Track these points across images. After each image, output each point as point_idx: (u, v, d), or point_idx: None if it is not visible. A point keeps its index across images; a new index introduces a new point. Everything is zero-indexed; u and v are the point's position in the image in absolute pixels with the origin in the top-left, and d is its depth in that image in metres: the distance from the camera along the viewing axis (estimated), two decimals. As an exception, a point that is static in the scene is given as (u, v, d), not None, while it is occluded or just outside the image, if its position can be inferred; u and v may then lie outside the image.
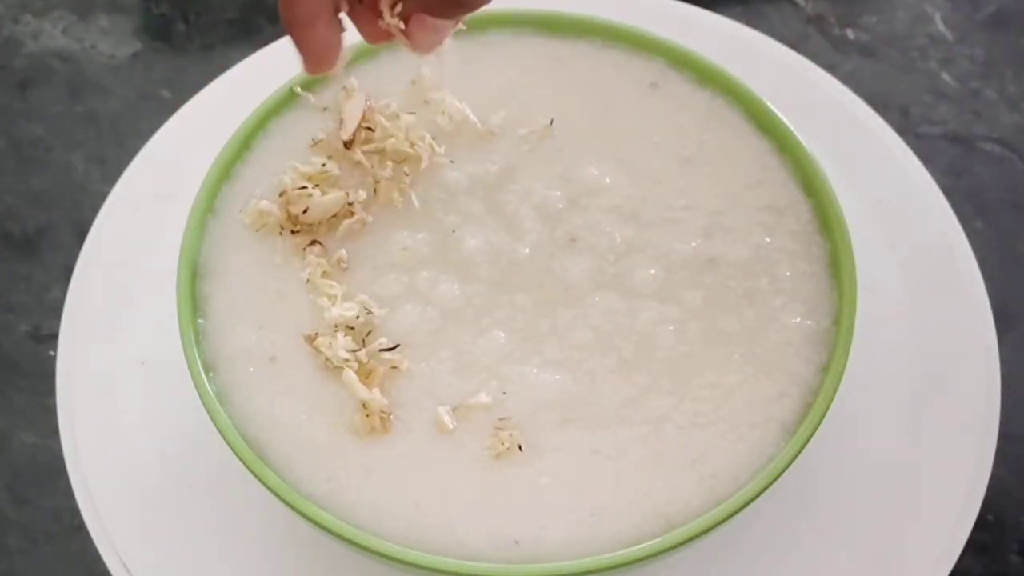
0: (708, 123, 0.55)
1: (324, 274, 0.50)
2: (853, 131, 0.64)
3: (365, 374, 0.48)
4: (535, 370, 0.48)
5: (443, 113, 0.54)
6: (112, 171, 0.64)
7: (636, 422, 0.47)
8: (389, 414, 0.47)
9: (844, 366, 0.47)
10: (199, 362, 0.48)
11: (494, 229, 0.52)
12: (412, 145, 0.53)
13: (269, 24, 0.78)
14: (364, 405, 0.47)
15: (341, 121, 0.53)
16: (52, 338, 0.59)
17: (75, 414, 0.56)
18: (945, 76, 0.76)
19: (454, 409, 0.47)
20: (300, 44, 0.45)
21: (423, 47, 0.46)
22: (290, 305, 0.50)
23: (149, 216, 0.60)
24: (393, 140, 0.53)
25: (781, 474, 0.45)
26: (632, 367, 0.48)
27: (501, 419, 0.47)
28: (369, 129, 0.53)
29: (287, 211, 0.51)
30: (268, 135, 0.54)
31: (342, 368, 0.47)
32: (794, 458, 0.46)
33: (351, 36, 0.48)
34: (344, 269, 0.51)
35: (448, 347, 0.49)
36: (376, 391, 0.47)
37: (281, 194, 0.52)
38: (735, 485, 0.46)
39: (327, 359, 0.48)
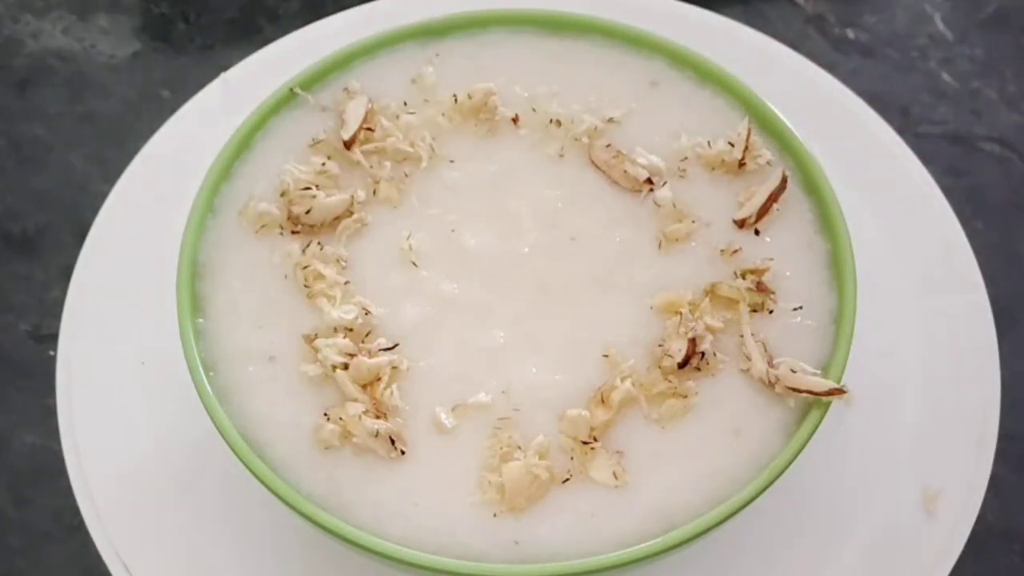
0: (708, 122, 0.55)
1: (323, 275, 0.50)
2: (853, 131, 0.64)
3: (365, 380, 0.47)
4: (535, 370, 0.48)
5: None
6: (112, 171, 0.64)
7: (636, 421, 0.47)
8: (399, 436, 0.47)
9: (844, 366, 0.47)
10: (199, 362, 0.48)
11: (494, 229, 0.52)
12: (412, 145, 0.53)
13: (269, 24, 0.78)
14: (377, 434, 0.46)
15: (342, 121, 0.53)
16: (52, 338, 0.59)
17: (75, 414, 0.56)
18: (945, 76, 0.76)
19: (454, 409, 0.47)
20: None
21: None
22: (290, 305, 0.50)
23: (149, 216, 0.60)
24: (393, 140, 0.53)
25: (781, 474, 0.45)
26: (632, 366, 0.48)
27: (501, 419, 0.47)
28: (369, 129, 0.53)
29: (289, 211, 0.51)
30: (268, 135, 0.54)
31: (341, 368, 0.47)
32: (794, 458, 0.46)
33: (349, 36, 0.47)
34: (344, 269, 0.51)
35: (448, 347, 0.49)
36: (382, 421, 0.46)
37: (282, 194, 0.52)
38: (735, 485, 0.46)
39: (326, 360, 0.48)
